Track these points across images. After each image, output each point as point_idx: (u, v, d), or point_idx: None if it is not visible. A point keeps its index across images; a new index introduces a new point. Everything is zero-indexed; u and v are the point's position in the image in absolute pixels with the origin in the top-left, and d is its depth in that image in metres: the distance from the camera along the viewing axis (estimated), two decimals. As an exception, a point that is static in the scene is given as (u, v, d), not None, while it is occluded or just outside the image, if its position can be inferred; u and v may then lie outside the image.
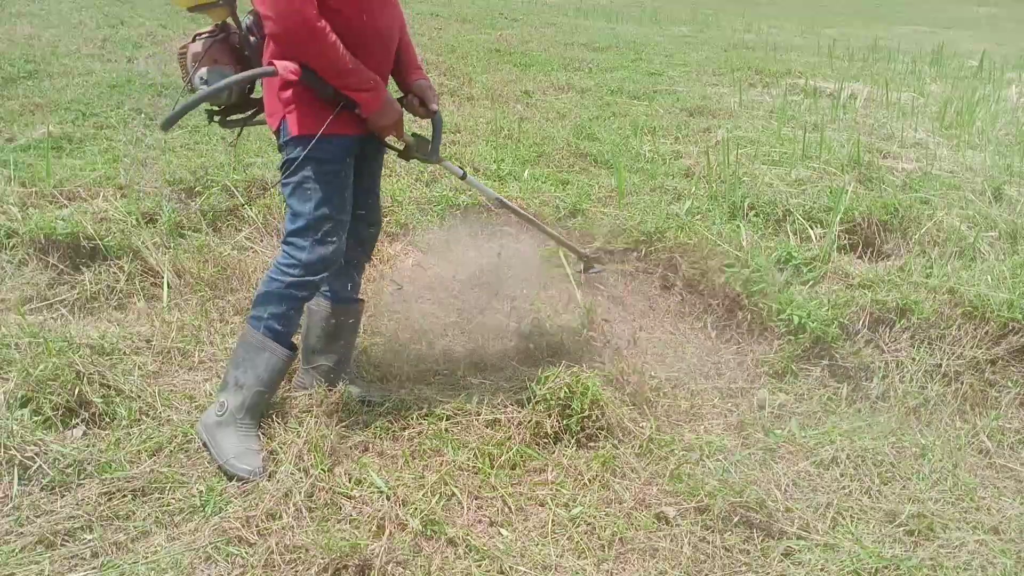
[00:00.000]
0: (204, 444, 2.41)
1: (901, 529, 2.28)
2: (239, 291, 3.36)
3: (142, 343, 2.96)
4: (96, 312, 3.25)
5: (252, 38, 2.40)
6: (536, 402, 2.60)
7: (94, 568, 1.97)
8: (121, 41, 7.81)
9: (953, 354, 3.03)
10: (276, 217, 3.93)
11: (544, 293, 3.50)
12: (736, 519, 2.26)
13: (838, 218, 3.83)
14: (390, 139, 2.59)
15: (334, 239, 2.40)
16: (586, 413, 2.56)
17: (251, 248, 3.72)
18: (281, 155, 2.43)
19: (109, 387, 2.60)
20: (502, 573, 2.05)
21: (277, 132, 2.41)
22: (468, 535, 2.15)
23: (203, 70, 2.34)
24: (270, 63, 2.28)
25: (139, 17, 9.35)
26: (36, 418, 2.40)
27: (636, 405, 2.74)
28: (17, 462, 2.22)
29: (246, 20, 2.43)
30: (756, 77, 8.01)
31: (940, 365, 3.00)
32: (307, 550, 2.00)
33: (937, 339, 3.08)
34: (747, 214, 3.99)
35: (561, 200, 4.08)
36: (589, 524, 2.23)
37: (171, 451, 2.39)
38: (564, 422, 2.57)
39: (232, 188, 4.04)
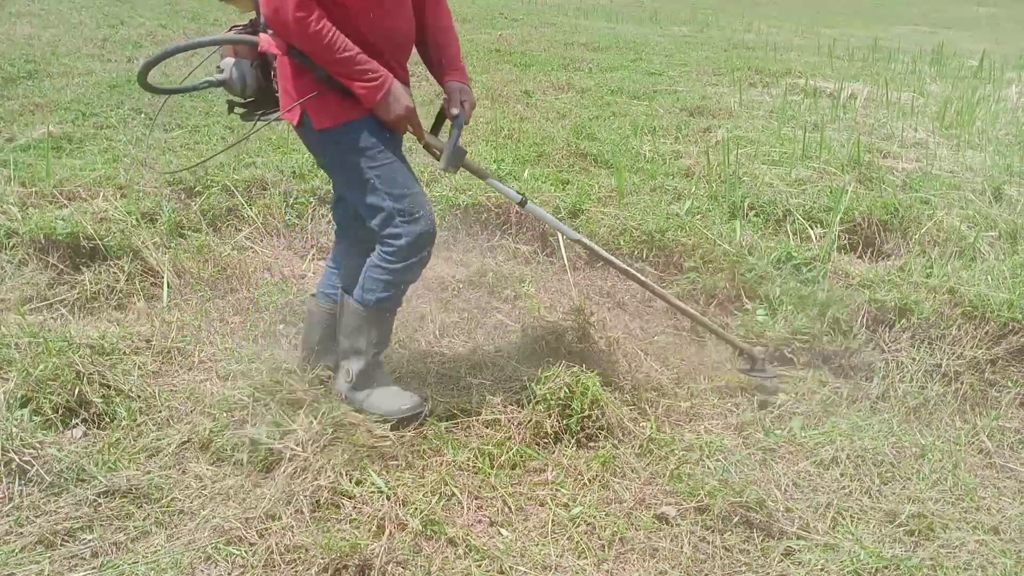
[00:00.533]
0: (356, 411, 2.58)
1: (901, 529, 2.27)
2: (239, 291, 3.36)
3: (142, 343, 2.96)
4: (96, 312, 3.25)
5: (270, 30, 2.42)
6: (536, 402, 2.60)
7: (94, 568, 1.97)
8: (121, 41, 7.82)
9: (953, 354, 3.02)
10: (276, 217, 3.94)
11: (544, 293, 3.50)
12: (736, 519, 2.25)
13: (838, 218, 3.83)
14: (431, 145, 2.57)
15: (420, 211, 2.40)
16: (586, 413, 2.56)
17: (251, 248, 3.73)
18: (319, 158, 2.46)
19: (109, 387, 2.59)
20: (502, 573, 2.05)
21: (299, 129, 2.41)
22: (468, 535, 2.15)
23: (224, 60, 2.42)
24: (251, 31, 2.34)
25: (139, 17, 9.36)
26: (36, 418, 2.39)
27: (636, 405, 2.74)
28: (16, 463, 2.22)
29: None
30: (756, 77, 8.01)
31: (940, 365, 3.00)
32: (307, 550, 2.00)
33: (937, 339, 3.08)
34: (747, 214, 3.99)
35: (561, 200, 4.08)
36: (589, 524, 2.23)
37: (171, 451, 2.39)
38: (564, 422, 2.56)
39: (232, 188, 4.04)
